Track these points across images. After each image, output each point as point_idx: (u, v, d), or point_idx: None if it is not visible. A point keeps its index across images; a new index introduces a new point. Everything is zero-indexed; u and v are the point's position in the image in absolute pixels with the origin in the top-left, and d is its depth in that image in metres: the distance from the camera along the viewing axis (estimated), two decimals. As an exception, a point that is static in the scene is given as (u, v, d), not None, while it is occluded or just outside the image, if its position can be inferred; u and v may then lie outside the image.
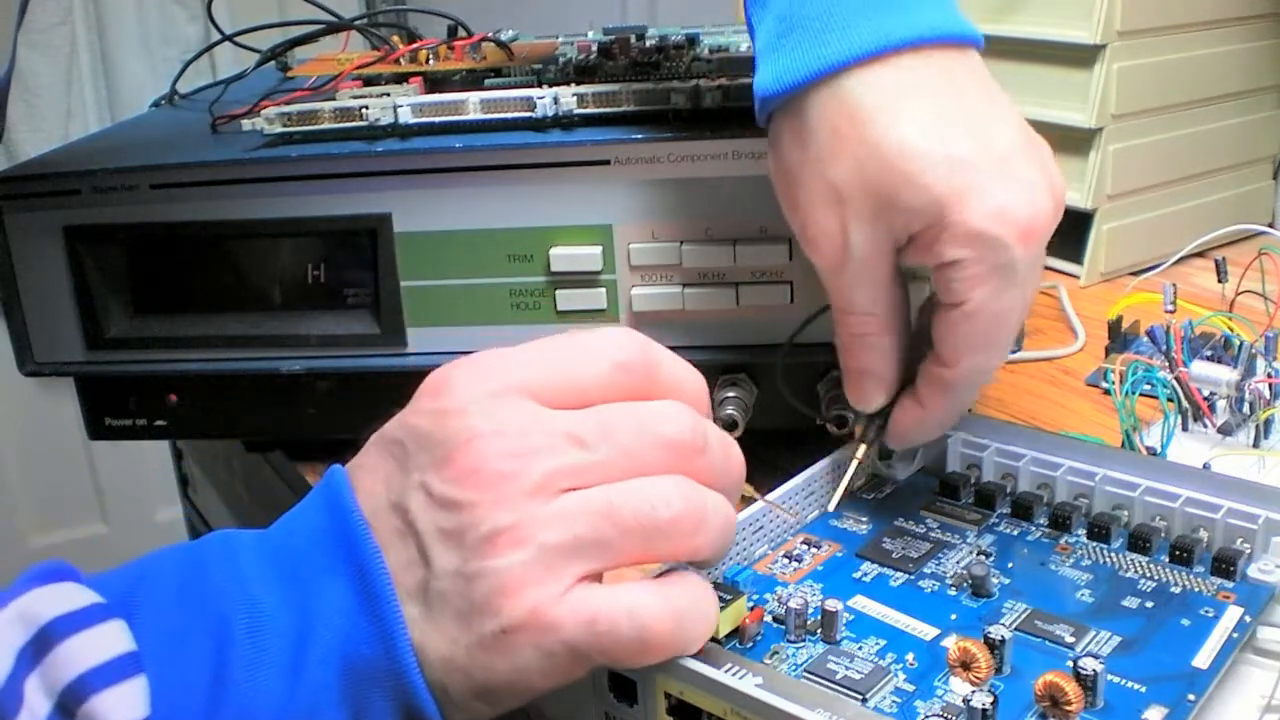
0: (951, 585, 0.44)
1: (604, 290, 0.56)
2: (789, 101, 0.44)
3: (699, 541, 0.37)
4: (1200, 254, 0.77)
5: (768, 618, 0.42)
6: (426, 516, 0.36)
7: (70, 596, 0.35)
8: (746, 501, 0.44)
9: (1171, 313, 0.60)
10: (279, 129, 0.58)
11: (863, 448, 0.48)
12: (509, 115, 0.57)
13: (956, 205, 0.41)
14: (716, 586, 0.41)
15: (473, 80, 0.66)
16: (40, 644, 0.34)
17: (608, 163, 0.54)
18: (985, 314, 0.42)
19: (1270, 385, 0.56)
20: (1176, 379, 0.56)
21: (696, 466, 0.37)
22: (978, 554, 0.46)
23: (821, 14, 0.43)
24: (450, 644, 0.36)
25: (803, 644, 0.41)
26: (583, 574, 0.36)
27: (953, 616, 0.42)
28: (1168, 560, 0.44)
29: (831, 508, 0.49)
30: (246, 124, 0.58)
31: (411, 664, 0.36)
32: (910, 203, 0.41)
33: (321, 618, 0.36)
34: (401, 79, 0.64)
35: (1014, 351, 0.56)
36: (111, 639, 0.34)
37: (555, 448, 0.36)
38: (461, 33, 0.73)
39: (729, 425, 0.53)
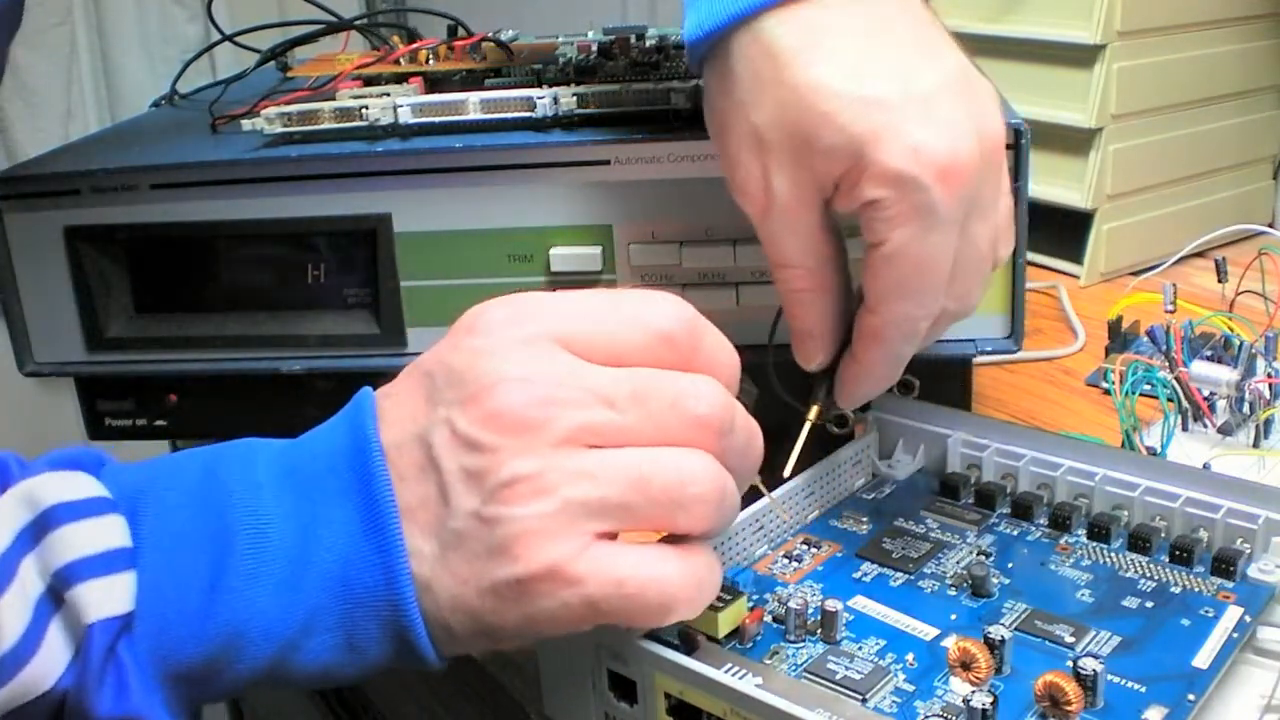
0: (951, 585, 0.44)
1: (604, 290, 0.56)
2: (715, 47, 0.44)
3: (711, 520, 0.37)
4: (1200, 254, 0.77)
5: (768, 618, 0.42)
6: (449, 454, 0.36)
7: (77, 486, 0.35)
8: (752, 493, 0.43)
9: (1171, 313, 0.60)
10: (279, 129, 0.58)
11: (814, 408, 0.47)
12: (509, 115, 0.57)
13: (873, 145, 0.40)
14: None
15: (473, 80, 0.66)
16: (40, 527, 0.34)
17: (608, 163, 0.54)
18: (906, 256, 0.41)
19: (1270, 385, 0.56)
20: (1176, 379, 0.56)
21: (720, 446, 0.37)
22: (978, 554, 0.46)
23: None
24: (460, 585, 0.36)
25: (803, 644, 0.41)
26: (599, 532, 0.36)
27: (953, 616, 0.42)
28: (1168, 560, 0.44)
29: (786, 474, 0.47)
30: (246, 124, 0.58)
31: (410, 596, 0.36)
32: (827, 144, 0.41)
33: (325, 540, 0.36)
34: (401, 79, 0.64)
35: (1013, 351, 0.55)
36: (107, 532, 0.35)
37: (584, 403, 0.36)
38: (461, 33, 0.73)
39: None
